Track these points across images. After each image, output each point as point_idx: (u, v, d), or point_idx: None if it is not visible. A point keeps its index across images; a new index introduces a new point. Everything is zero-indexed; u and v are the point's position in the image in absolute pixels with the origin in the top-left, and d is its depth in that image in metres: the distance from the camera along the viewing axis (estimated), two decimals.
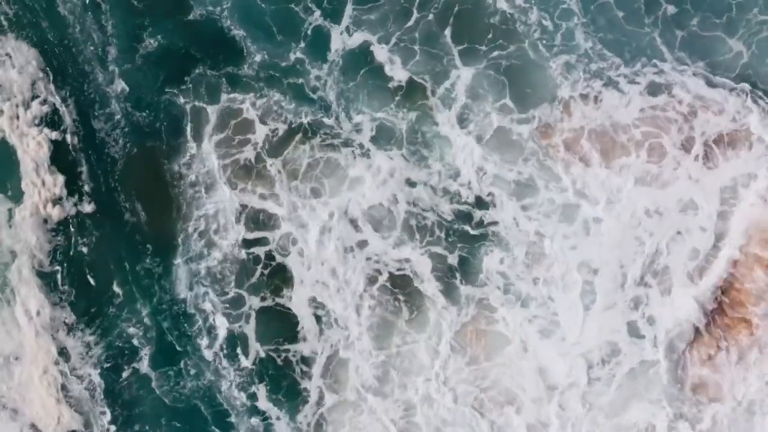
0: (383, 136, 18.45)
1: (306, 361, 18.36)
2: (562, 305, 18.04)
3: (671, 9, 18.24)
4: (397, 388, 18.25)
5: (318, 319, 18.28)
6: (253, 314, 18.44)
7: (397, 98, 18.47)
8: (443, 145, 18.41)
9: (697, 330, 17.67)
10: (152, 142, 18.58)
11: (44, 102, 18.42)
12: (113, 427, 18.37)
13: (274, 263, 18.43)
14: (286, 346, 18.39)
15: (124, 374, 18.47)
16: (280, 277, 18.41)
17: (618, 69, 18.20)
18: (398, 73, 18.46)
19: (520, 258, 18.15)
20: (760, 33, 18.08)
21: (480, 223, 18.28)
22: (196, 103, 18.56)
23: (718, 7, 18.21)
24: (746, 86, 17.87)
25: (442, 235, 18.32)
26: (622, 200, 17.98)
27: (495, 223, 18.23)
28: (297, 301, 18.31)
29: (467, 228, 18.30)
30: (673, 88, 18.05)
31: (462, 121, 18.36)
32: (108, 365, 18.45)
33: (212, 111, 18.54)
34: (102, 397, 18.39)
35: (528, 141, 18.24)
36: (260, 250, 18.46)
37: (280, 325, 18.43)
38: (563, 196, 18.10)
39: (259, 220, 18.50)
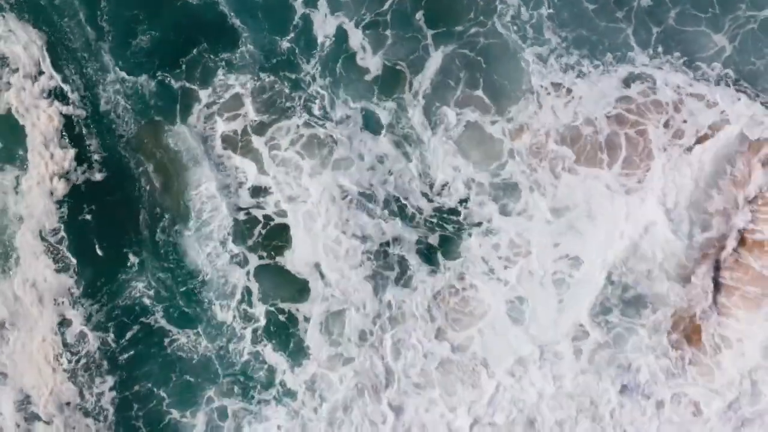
0: (368, 125, 18.88)
1: (308, 318, 18.75)
2: (543, 294, 18.45)
3: (645, 0, 18.45)
4: (382, 345, 18.64)
5: (316, 277, 18.70)
6: (258, 273, 18.81)
7: (377, 88, 18.90)
8: (421, 139, 18.81)
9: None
10: (155, 116, 18.96)
11: (51, 77, 18.64)
12: (113, 394, 18.53)
13: (272, 223, 18.82)
14: (290, 304, 18.81)
15: (129, 341, 18.64)
16: (281, 238, 18.82)
17: (591, 65, 18.38)
18: (375, 62, 18.87)
19: (501, 249, 18.49)
20: (745, 26, 18.24)
21: (460, 219, 18.70)
22: (190, 83, 19.02)
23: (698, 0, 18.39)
24: (730, 80, 18.01)
25: (421, 222, 18.76)
26: (602, 199, 18.20)
27: (477, 222, 18.65)
28: (298, 261, 18.74)
29: (448, 218, 18.72)
30: (650, 83, 18.15)
31: (435, 117, 18.78)
32: (111, 334, 18.61)
33: (205, 88, 18.99)
34: (103, 365, 18.57)
35: (503, 140, 18.50)
36: (259, 213, 18.87)
37: (283, 282, 18.87)
38: (544, 196, 18.37)
39: (253, 189, 18.96)
